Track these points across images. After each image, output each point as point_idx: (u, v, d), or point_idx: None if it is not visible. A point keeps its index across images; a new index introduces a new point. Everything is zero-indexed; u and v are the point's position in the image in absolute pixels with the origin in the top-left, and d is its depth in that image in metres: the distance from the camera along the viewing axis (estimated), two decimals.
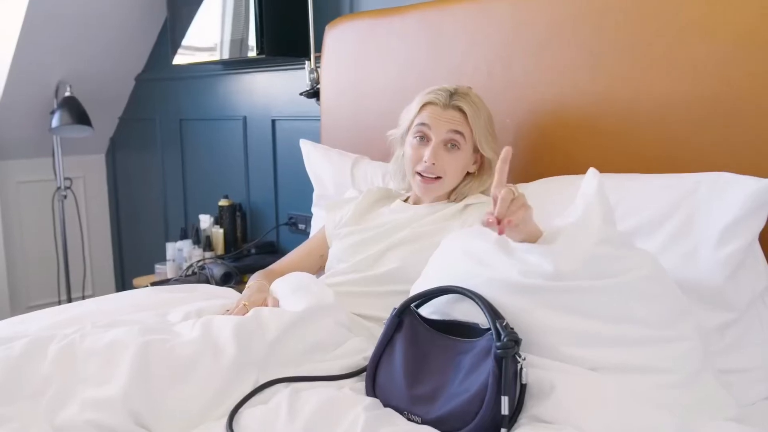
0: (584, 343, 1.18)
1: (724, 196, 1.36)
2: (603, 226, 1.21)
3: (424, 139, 1.67)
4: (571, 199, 1.30)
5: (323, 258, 1.83)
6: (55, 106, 3.42)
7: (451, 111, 1.64)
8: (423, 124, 1.66)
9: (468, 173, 1.72)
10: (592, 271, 1.18)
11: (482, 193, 1.72)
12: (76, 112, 3.35)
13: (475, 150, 1.68)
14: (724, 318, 1.35)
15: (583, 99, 1.72)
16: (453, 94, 1.66)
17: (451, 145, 1.65)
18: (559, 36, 1.76)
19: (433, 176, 1.66)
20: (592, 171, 1.28)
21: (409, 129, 1.71)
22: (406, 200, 1.79)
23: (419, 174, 1.67)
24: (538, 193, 1.66)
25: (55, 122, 3.33)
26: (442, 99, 1.65)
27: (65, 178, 3.66)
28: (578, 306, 1.19)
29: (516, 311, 1.22)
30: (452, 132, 1.64)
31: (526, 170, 1.81)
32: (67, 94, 3.39)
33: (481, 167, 1.72)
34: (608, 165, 1.59)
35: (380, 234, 1.69)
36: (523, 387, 1.14)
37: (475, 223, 1.59)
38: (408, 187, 1.80)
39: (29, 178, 3.74)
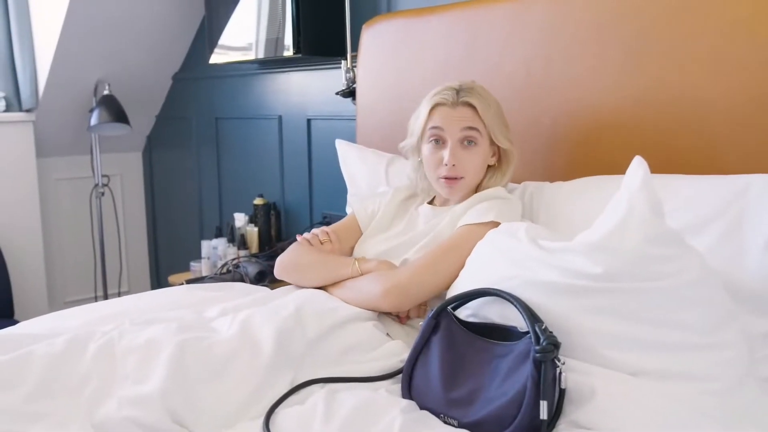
0: (626, 347, 1.16)
1: None
2: (651, 220, 1.16)
3: (439, 142, 1.64)
4: (609, 199, 1.24)
5: (352, 249, 1.79)
6: (94, 104, 3.47)
7: (461, 108, 1.61)
8: (436, 127, 1.63)
9: (489, 166, 1.69)
10: (640, 272, 1.15)
11: (504, 186, 1.70)
12: (114, 110, 3.39)
13: (492, 142, 1.65)
14: None
15: (624, 99, 1.69)
16: (459, 91, 1.62)
17: (467, 142, 1.62)
18: (598, 35, 1.73)
19: (456, 176, 1.64)
20: (637, 159, 1.21)
21: (422, 135, 1.68)
22: (431, 201, 1.77)
23: (442, 177, 1.65)
24: (576, 192, 1.64)
25: (93, 120, 3.38)
26: (450, 98, 1.62)
27: (103, 176, 3.71)
28: (621, 308, 1.16)
29: (555, 313, 1.20)
30: (467, 129, 1.61)
31: (564, 170, 1.78)
32: (106, 92, 3.43)
33: (500, 159, 1.69)
34: (649, 166, 1.55)
35: (411, 240, 1.67)
36: (562, 392, 1.12)
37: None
38: (430, 191, 1.77)
39: (68, 176, 3.81)
